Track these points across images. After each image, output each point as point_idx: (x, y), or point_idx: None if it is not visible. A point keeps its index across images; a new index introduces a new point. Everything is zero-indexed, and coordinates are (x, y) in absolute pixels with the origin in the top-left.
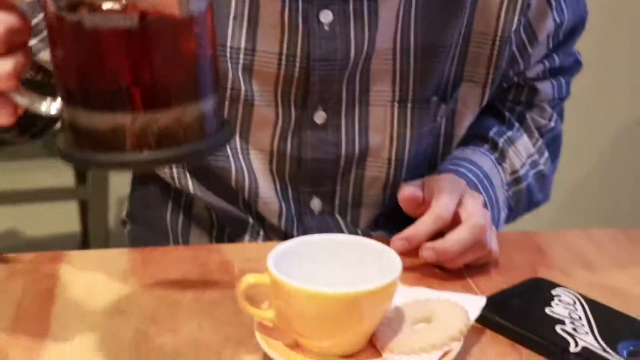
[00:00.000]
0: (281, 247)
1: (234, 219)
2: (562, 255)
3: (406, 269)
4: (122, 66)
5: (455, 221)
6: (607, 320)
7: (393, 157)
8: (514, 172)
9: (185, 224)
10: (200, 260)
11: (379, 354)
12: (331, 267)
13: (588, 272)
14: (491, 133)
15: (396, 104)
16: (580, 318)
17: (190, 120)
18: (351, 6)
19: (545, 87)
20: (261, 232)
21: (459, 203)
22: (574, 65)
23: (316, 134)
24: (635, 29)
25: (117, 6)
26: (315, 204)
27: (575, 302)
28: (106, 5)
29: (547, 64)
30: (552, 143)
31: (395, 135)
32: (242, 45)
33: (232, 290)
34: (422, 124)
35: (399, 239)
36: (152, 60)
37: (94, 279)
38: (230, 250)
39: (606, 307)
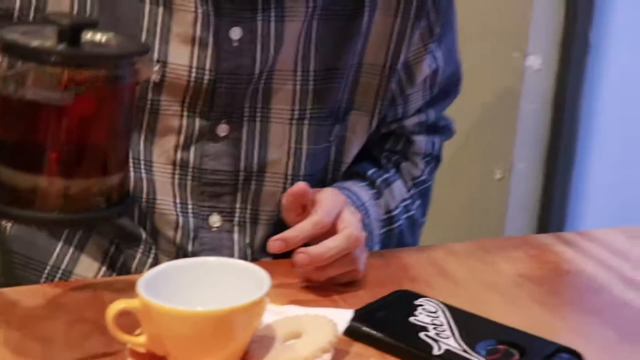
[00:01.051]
0: (151, 272)
1: (127, 234)
2: (425, 270)
3: (278, 288)
4: (43, 137)
5: (331, 233)
6: (467, 324)
7: (290, 172)
8: (388, 211)
9: (74, 253)
10: (70, 296)
11: None
12: (203, 289)
13: (449, 282)
14: (369, 172)
15: (294, 122)
16: (442, 324)
17: (98, 191)
18: (259, 26)
19: (420, 141)
20: (153, 249)
21: (338, 215)
22: (447, 129)
23: (217, 145)
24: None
25: (49, 88)
26: (215, 219)
27: (437, 310)
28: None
29: (423, 117)
30: (424, 195)
31: (292, 150)
32: (154, 57)
33: (104, 322)
34: (317, 141)
35: (276, 239)
36: (68, 137)
37: None
38: (100, 284)
39: (466, 312)
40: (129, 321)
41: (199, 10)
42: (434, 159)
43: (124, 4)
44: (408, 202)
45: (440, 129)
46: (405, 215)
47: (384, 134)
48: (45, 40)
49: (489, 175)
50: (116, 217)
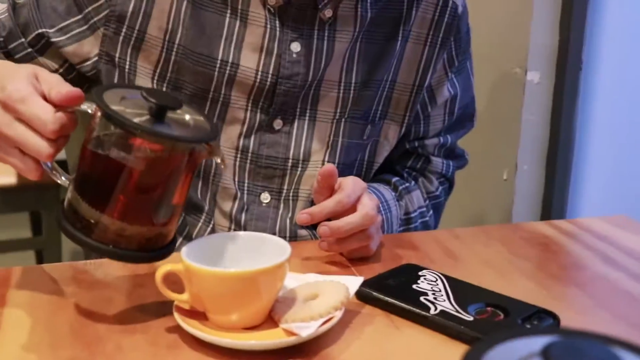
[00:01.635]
0: (193, 243)
1: (192, 206)
2: (432, 249)
3: (305, 261)
4: (113, 186)
5: (351, 212)
6: (461, 290)
7: (327, 159)
8: (407, 213)
9: None
10: (131, 267)
11: (276, 325)
12: (236, 257)
13: (451, 259)
14: (393, 180)
15: (333, 123)
16: (440, 290)
17: (148, 236)
18: (315, 42)
19: (437, 161)
20: (212, 219)
21: (358, 198)
22: (462, 158)
23: (273, 136)
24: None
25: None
26: (265, 196)
27: (436, 279)
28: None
29: (441, 140)
30: (436, 208)
31: (331, 142)
32: (230, 60)
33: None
34: (352, 136)
35: (303, 213)
36: (133, 191)
37: (40, 287)
38: None
39: (461, 281)
40: (178, 287)
41: (268, 26)
42: (447, 181)
43: (209, 17)
44: (424, 209)
45: (456, 156)
46: (420, 220)
47: (407, 153)
48: (137, 110)
49: (497, 176)
50: (158, 260)
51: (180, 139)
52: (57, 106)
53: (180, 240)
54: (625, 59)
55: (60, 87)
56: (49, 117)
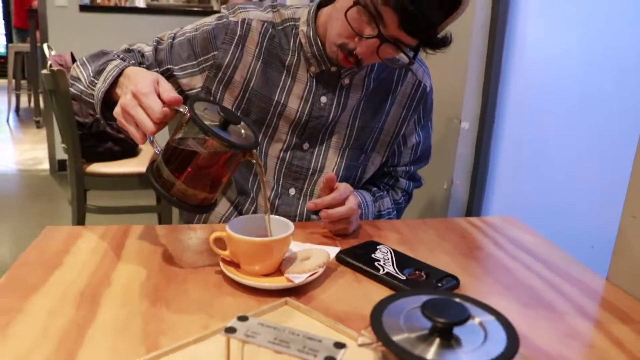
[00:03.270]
0: (235, 220)
1: (243, 192)
2: (389, 231)
3: (308, 235)
4: (187, 163)
5: (342, 205)
6: (401, 259)
7: (333, 172)
8: (379, 211)
9: (219, 196)
10: (199, 234)
11: (282, 274)
12: (261, 230)
13: (400, 238)
14: (373, 189)
15: (341, 149)
16: (388, 259)
17: (200, 198)
18: (336, 99)
19: (402, 181)
20: (255, 202)
21: (346, 197)
22: (419, 181)
23: (301, 153)
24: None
25: (200, 146)
26: (292, 191)
27: (388, 252)
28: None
29: (407, 168)
30: (399, 210)
31: (337, 162)
32: (282, 102)
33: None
34: (350, 160)
35: (311, 202)
36: (196, 167)
37: (145, 238)
38: (214, 227)
39: (402, 253)
40: (223, 246)
41: (308, 84)
42: (407, 194)
43: (273, 74)
44: (390, 210)
45: (415, 180)
46: (387, 217)
47: (384, 174)
48: (212, 119)
49: (440, 187)
50: (201, 213)
51: (233, 144)
52: (165, 103)
53: (235, 214)
54: (520, 117)
55: (169, 93)
56: (158, 109)
